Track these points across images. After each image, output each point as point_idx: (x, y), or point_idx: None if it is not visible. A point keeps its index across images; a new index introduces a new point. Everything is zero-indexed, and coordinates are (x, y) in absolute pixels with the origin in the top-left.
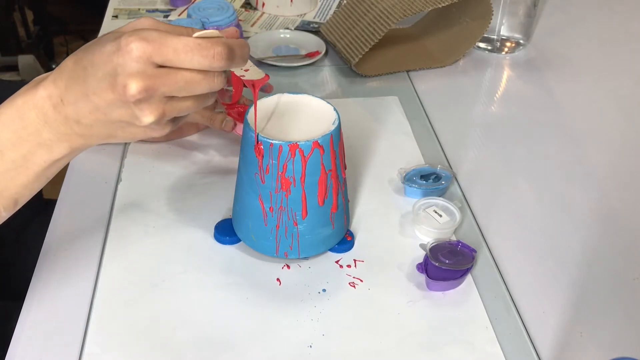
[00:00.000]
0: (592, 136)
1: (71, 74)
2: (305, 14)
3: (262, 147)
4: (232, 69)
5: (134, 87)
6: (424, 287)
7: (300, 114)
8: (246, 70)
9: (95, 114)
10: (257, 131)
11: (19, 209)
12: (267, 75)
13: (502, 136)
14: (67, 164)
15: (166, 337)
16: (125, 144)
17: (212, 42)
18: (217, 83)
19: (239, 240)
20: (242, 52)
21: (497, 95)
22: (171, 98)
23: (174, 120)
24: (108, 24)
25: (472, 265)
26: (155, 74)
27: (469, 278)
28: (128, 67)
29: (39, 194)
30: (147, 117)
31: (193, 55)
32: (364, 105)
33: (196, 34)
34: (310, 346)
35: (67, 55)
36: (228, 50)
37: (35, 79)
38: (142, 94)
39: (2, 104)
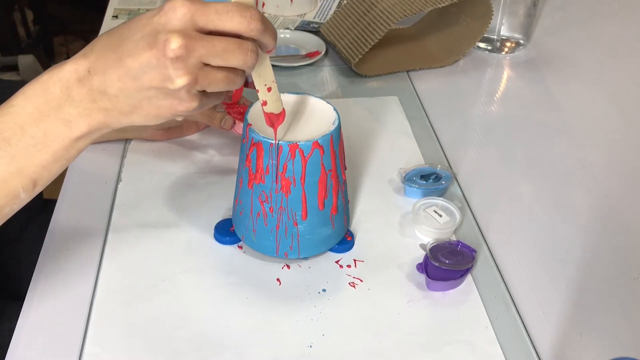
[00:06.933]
0: (592, 136)
1: (105, 43)
2: (305, 14)
3: (262, 147)
4: (255, 75)
5: (175, 42)
6: (424, 287)
7: (300, 114)
8: (269, 90)
9: (124, 80)
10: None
11: (19, 209)
12: (284, 109)
13: (502, 136)
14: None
15: (166, 337)
16: (126, 143)
17: (248, 5)
18: (249, 58)
19: (239, 240)
20: (271, 26)
21: (497, 95)
22: (205, 66)
23: (202, 98)
24: (108, 24)
25: (472, 265)
26: (195, 35)
27: (469, 278)
28: (171, 24)
29: (39, 194)
30: (181, 78)
31: (233, 15)
32: (364, 105)
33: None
34: (310, 346)
35: (68, 55)
36: (262, 16)
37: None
38: (182, 49)
39: (32, 80)
